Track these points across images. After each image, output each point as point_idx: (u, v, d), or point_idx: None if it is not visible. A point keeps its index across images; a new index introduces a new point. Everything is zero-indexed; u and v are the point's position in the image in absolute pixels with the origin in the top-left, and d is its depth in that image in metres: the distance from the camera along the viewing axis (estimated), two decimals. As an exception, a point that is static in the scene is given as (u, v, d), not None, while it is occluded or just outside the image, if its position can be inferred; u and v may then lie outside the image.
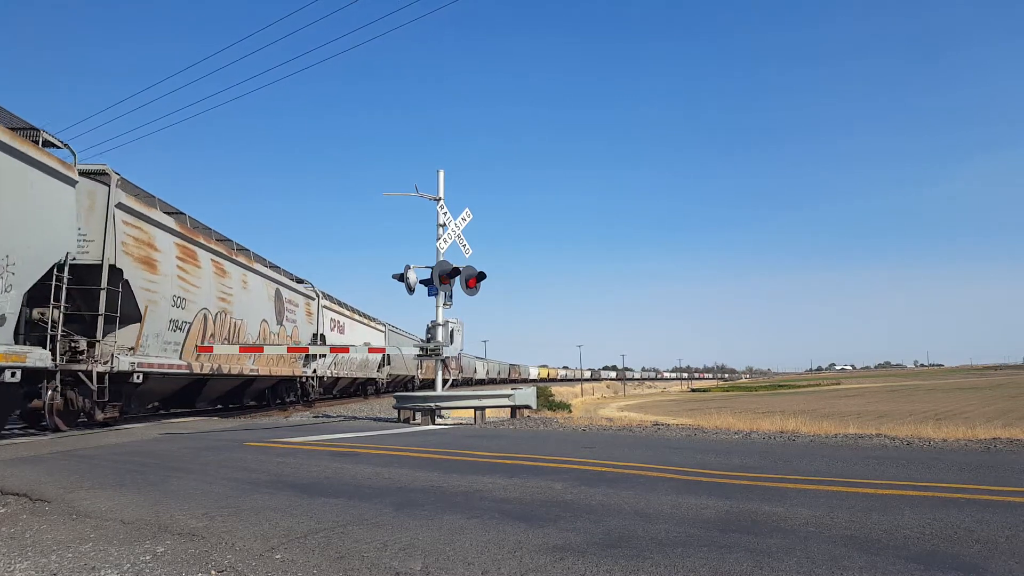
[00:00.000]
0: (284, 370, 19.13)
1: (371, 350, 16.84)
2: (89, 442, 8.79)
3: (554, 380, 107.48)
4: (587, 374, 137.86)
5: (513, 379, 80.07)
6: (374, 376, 31.34)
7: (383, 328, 33.79)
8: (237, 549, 3.28)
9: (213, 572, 2.92)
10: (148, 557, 3.16)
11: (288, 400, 20.62)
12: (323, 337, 22.65)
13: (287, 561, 3.07)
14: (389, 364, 32.66)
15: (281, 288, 19.01)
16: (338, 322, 25.40)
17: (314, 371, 21.50)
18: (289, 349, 19.27)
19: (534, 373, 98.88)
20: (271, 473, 5.82)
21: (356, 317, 28.72)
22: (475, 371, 59.02)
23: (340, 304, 26.77)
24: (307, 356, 21.00)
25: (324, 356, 22.40)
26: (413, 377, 40.01)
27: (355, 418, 14.79)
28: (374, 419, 14.39)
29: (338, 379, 25.65)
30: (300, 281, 21.54)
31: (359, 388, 31.29)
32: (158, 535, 3.58)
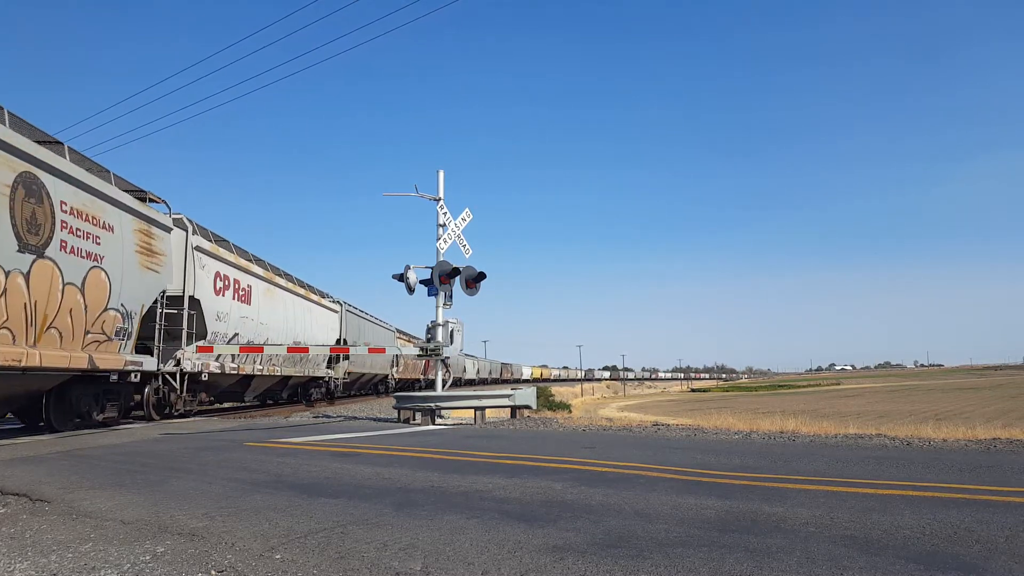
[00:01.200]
0: (83, 359, 9.94)
1: (371, 350, 16.14)
2: (89, 442, 8.79)
3: (548, 380, 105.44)
4: (581, 374, 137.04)
5: (505, 379, 77.88)
6: (321, 375, 22.55)
7: (337, 308, 24.78)
8: (237, 549, 3.28)
9: (213, 572, 2.92)
10: (148, 557, 3.16)
11: (103, 417, 11.38)
12: (196, 301, 13.51)
13: (287, 561, 3.07)
14: (347, 359, 24.70)
15: (39, 175, 8.89)
16: (238, 284, 15.72)
17: (177, 362, 13.09)
18: (289, 349, 15.61)
19: (527, 373, 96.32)
20: (271, 473, 5.82)
21: (281, 283, 19.01)
22: (464, 370, 56.33)
23: (247, 256, 17.07)
24: (163, 340, 12.58)
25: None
26: (386, 377, 33.05)
27: (355, 418, 14.81)
28: (374, 419, 14.40)
29: (250, 377, 16.75)
30: (141, 196, 12.00)
31: (297, 391, 22.27)
32: (158, 535, 3.58)
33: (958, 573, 2.82)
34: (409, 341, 37.42)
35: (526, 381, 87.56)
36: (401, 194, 14.95)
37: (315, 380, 22.71)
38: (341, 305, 25.36)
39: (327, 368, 23.06)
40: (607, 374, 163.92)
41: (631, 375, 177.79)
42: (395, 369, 34.01)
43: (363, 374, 28.74)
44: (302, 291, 21.25)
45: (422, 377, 40.88)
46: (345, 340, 24.89)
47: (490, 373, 71.64)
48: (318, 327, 22.42)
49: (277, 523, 3.82)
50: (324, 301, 23.70)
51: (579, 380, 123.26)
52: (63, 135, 10.87)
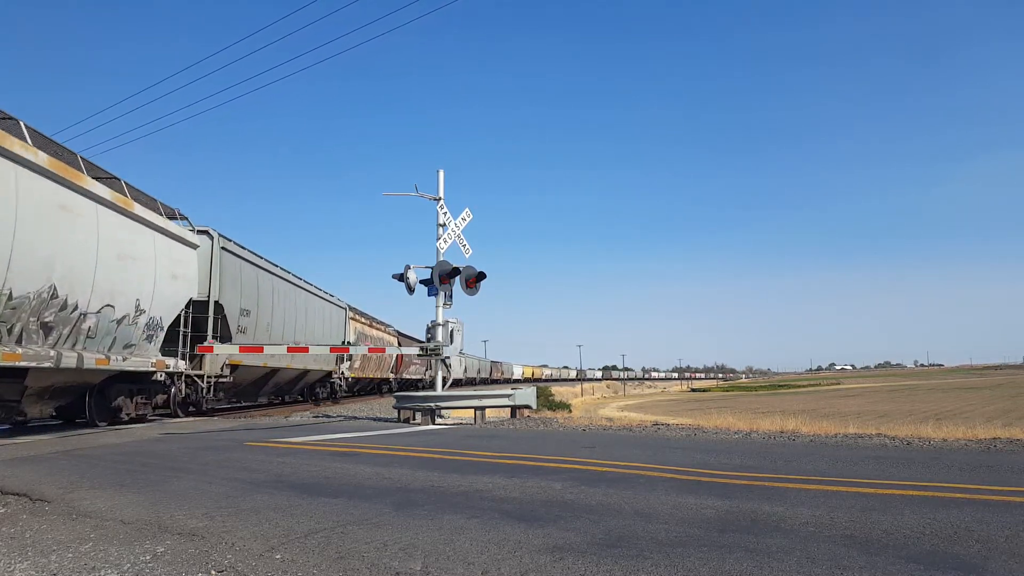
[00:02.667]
0: None
1: (371, 350, 15.83)
2: (89, 442, 8.79)
3: (541, 380, 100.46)
4: (573, 373, 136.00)
5: (495, 379, 73.99)
6: (136, 369, 11.31)
7: (198, 243, 13.51)
8: (237, 549, 3.28)
9: (213, 572, 2.92)
10: (148, 557, 3.16)
11: None
12: None
13: (287, 561, 3.07)
14: (229, 339, 14.48)
15: None
16: None
17: None
18: (291, 349, 14.11)
19: (518, 372, 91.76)
20: (271, 473, 5.82)
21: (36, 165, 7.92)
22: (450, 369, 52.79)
23: None
24: None
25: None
26: (329, 375, 22.97)
27: (355, 418, 14.80)
28: (374, 419, 14.40)
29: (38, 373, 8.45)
30: None
31: (112, 396, 11.33)
32: (158, 535, 3.58)
33: (958, 573, 2.82)
34: (372, 327, 30.40)
35: (517, 381, 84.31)
36: (401, 194, 14.92)
37: (133, 378, 11.82)
38: (212, 238, 14.03)
39: (182, 358, 12.77)
40: (599, 374, 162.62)
41: (626, 375, 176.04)
42: (345, 365, 23.88)
43: (275, 370, 17.64)
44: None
45: (392, 376, 33.63)
46: (221, 305, 14.30)
47: (479, 372, 67.41)
48: (129, 265, 10.61)
49: (277, 523, 3.82)
50: (152, 217, 11.45)
51: (574, 380, 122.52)
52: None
